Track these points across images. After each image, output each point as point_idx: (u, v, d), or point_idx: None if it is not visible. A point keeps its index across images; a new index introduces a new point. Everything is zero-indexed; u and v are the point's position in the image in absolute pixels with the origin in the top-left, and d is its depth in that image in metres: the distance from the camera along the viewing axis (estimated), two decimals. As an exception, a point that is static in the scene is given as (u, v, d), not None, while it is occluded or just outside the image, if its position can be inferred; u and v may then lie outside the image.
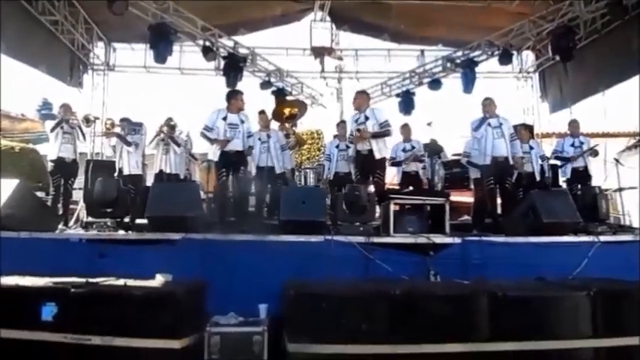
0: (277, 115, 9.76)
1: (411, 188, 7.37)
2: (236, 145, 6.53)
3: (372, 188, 6.66)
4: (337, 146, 8.02)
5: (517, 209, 6.03)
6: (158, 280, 4.53)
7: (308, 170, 9.76)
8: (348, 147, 7.37)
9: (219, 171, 6.55)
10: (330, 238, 5.24)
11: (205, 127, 6.56)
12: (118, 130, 7.93)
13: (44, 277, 4.41)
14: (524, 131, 7.84)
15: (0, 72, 7.76)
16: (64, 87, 10.03)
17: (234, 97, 6.70)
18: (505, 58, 10.14)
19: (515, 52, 10.63)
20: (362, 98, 6.97)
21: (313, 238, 5.28)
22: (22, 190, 5.51)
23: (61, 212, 7.01)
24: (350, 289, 4.11)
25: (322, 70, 11.70)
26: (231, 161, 6.52)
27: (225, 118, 6.59)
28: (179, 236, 5.24)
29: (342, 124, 8.13)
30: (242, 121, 6.66)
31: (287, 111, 9.76)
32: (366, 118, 6.71)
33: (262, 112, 7.79)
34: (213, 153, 6.57)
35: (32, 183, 9.20)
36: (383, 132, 6.72)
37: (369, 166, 6.61)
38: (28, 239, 5.22)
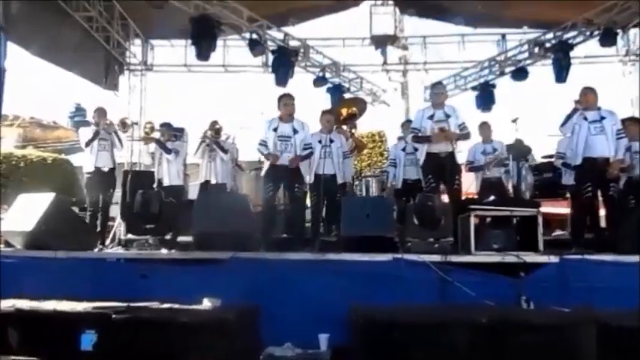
0: (335, 115, 9.79)
1: (492, 197, 7.17)
2: (290, 162, 6.63)
3: (445, 198, 6.56)
4: (404, 149, 7.94)
5: (628, 221, 5.73)
6: (206, 305, 4.63)
7: (370, 178, 9.71)
8: (416, 150, 7.28)
9: (265, 185, 6.67)
10: (400, 257, 5.21)
11: (260, 141, 6.75)
12: (157, 135, 8.17)
13: (82, 302, 4.62)
14: (634, 126, 7.44)
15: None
16: (99, 91, 10.52)
17: (282, 102, 6.77)
18: (608, 39, 9.69)
19: (620, 31, 10.14)
20: (442, 93, 6.92)
21: (380, 257, 5.26)
22: (59, 205, 5.80)
23: (99, 229, 7.28)
24: (427, 317, 4.06)
25: (384, 63, 11.67)
26: (280, 177, 6.61)
27: (276, 129, 6.68)
28: (228, 255, 5.34)
29: (408, 124, 8.06)
30: (295, 131, 6.68)
31: (344, 111, 9.76)
32: (447, 116, 6.60)
33: (327, 112, 7.84)
34: (264, 169, 6.77)
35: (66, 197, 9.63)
36: (465, 134, 6.62)
37: (446, 171, 6.46)
38: (65, 259, 5.48)
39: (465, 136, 6.67)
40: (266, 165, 6.75)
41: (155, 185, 7.92)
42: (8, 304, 4.33)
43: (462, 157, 7.41)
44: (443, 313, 4.34)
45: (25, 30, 7.53)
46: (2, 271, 5.38)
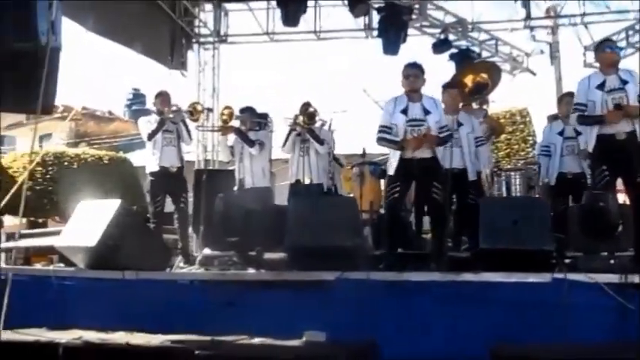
0: (457, 88, 9.63)
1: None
2: (422, 150, 6.46)
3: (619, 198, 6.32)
4: (561, 133, 7.69)
5: None
6: (308, 341, 4.74)
7: (512, 173, 9.48)
8: (579, 133, 7.02)
9: (390, 185, 6.52)
10: (562, 278, 5.09)
11: (381, 128, 6.47)
12: (236, 124, 8.33)
13: (157, 334, 4.88)
14: None
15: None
16: (160, 71, 11.00)
17: (411, 73, 6.60)
18: None
19: None
20: (614, 52, 6.55)
21: (533, 278, 5.18)
22: (126, 215, 6.12)
23: (180, 245, 7.61)
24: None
25: (527, 17, 11.38)
26: (413, 173, 6.47)
27: (405, 111, 6.52)
28: (333, 276, 5.43)
29: (566, 98, 7.77)
30: (427, 112, 6.53)
31: (470, 79, 9.53)
32: (624, 83, 6.26)
33: (451, 86, 7.72)
34: (390, 164, 6.58)
35: (126, 204, 10.16)
36: None
37: (626, 159, 6.12)
38: (135, 281, 5.80)
39: None
40: (393, 158, 6.58)
41: (236, 187, 8.11)
42: (74, 334, 4.65)
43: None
44: (623, 356, 4.19)
45: (80, 1, 7.97)
46: (63, 295, 5.83)
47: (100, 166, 14.41)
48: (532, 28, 11.78)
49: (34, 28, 4.16)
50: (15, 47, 4.32)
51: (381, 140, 6.42)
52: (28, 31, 4.17)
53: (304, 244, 5.82)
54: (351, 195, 9.19)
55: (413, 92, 6.46)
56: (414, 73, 6.47)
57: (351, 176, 9.48)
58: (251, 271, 6.31)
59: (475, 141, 7.45)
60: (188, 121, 8.07)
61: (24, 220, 9.88)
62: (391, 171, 6.41)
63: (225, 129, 8.31)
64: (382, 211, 7.78)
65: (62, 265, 6.78)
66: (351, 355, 4.37)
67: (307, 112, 8.17)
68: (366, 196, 8.36)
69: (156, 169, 7.77)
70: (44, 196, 13.43)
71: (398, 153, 6.32)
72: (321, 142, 8.20)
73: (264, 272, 6.16)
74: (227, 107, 8.33)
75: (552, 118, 8.39)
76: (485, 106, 9.06)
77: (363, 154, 8.92)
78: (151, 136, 7.76)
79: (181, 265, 7.37)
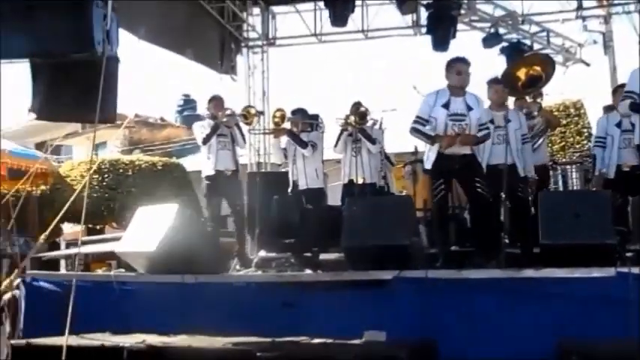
0: (510, 82, 9.47)
1: None
2: (461, 146, 6.42)
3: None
4: (618, 124, 7.52)
5: None
6: (368, 341, 4.73)
7: (567, 166, 9.32)
8: (634, 125, 6.86)
9: (434, 183, 6.50)
10: (627, 272, 4.96)
11: (417, 119, 6.44)
12: (288, 126, 8.39)
13: (217, 336, 4.93)
14: None
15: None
16: (210, 76, 11.12)
17: (454, 69, 6.56)
18: None
19: None
20: None
21: (597, 273, 5.06)
22: (185, 219, 6.20)
23: (237, 247, 7.69)
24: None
25: (579, 7, 11.17)
26: (454, 169, 6.43)
27: (446, 105, 6.48)
28: (390, 275, 5.41)
29: (622, 89, 7.60)
30: (469, 108, 6.48)
31: (523, 73, 9.36)
32: None
33: (496, 81, 7.60)
34: (427, 158, 6.56)
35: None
36: None
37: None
38: (194, 285, 5.89)
39: None
40: (431, 152, 6.55)
41: (290, 189, 8.16)
42: (137, 338, 4.73)
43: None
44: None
45: (131, 10, 8.10)
46: (124, 300, 5.94)
47: (154, 171, 14.62)
48: (584, 18, 11.56)
49: (89, 38, 4.25)
50: (72, 58, 4.43)
51: (413, 131, 6.41)
52: (84, 42, 4.26)
53: (361, 244, 5.81)
54: (405, 193, 9.17)
55: (459, 87, 6.43)
56: (466, 69, 6.44)
57: (403, 174, 9.44)
58: (308, 272, 6.35)
59: (522, 137, 7.36)
60: (241, 124, 8.14)
61: (82, 227, 10.16)
62: (428, 165, 6.43)
63: (277, 131, 8.43)
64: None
65: (122, 270, 6.92)
66: (412, 355, 4.34)
67: (358, 112, 8.19)
68: (419, 194, 8.30)
69: (211, 172, 7.83)
70: (101, 203, 13.69)
71: (436, 148, 6.31)
72: (373, 141, 8.23)
73: (321, 273, 6.19)
74: (279, 110, 8.43)
75: (608, 109, 8.20)
76: (539, 100, 8.88)
77: (415, 152, 8.84)
78: (205, 141, 7.82)
79: (238, 267, 7.45)
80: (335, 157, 9.06)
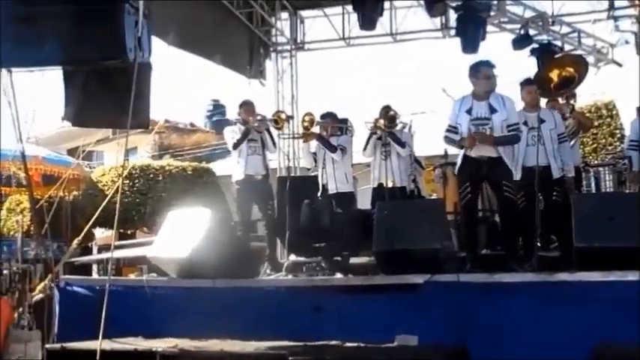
0: (542, 83, 9.41)
1: None
2: (487, 149, 6.40)
3: None
4: (653, 126, 7.45)
5: None
6: (401, 346, 4.72)
7: (600, 168, 9.22)
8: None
9: (461, 186, 6.51)
10: (661, 275, 4.91)
11: (448, 127, 6.53)
12: (317, 130, 8.39)
13: (249, 340, 4.96)
14: None
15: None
16: (239, 82, 11.17)
17: (478, 72, 6.54)
18: None
19: None
20: None
21: (632, 276, 5.01)
22: (217, 223, 6.25)
23: (267, 252, 7.72)
24: None
25: (610, 7, 11.03)
26: (481, 172, 6.41)
27: (469, 111, 6.50)
28: (422, 279, 5.40)
29: (655, 89, 7.53)
30: (493, 110, 6.44)
31: (555, 74, 9.32)
32: None
33: (529, 82, 7.55)
34: (458, 163, 6.60)
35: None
36: None
37: None
38: (226, 289, 5.92)
39: None
40: (458, 156, 6.58)
41: (319, 193, 8.16)
42: (169, 343, 4.77)
43: None
44: None
45: (160, 15, 8.18)
46: (157, 304, 5.98)
47: (185, 176, 14.73)
48: (616, 18, 11.38)
49: (122, 45, 4.29)
50: (104, 64, 4.48)
51: (445, 139, 6.54)
52: (117, 49, 4.30)
53: (392, 247, 5.80)
54: (435, 196, 9.13)
55: (483, 91, 6.42)
56: (492, 72, 6.47)
57: (433, 178, 9.42)
58: (339, 276, 6.34)
59: (558, 138, 7.29)
60: (272, 129, 8.17)
61: (114, 232, 10.30)
62: (456, 169, 6.52)
63: (307, 135, 8.43)
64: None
65: (154, 274, 6.97)
66: (444, 359, 4.31)
67: (388, 115, 8.22)
68: (449, 198, 8.26)
69: (242, 177, 7.88)
70: (132, 209, 13.85)
71: (462, 152, 6.36)
72: (402, 144, 8.21)
73: (352, 277, 6.20)
74: (308, 114, 8.44)
75: (640, 111, 8.12)
76: (572, 101, 8.82)
77: (445, 155, 8.81)
78: (236, 146, 7.87)
79: (268, 272, 7.46)
80: (364, 160, 9.04)
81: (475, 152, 6.29)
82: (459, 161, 6.46)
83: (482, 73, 6.41)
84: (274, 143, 8.29)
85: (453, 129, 6.44)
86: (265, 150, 8.11)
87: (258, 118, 8.05)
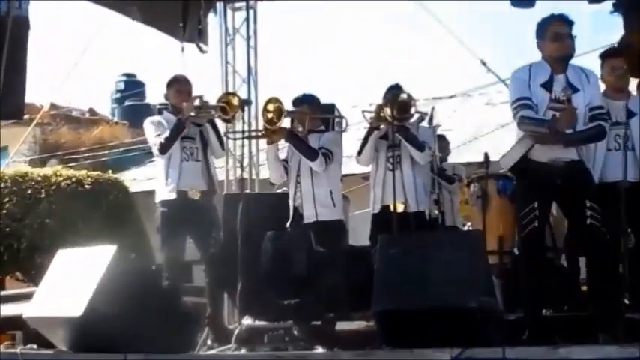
0: (631, 54, 9.55)
1: None
2: (563, 150, 6.36)
3: None
4: None
5: None
6: None
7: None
8: None
9: (522, 207, 6.45)
10: None
11: (521, 101, 6.42)
12: (288, 124, 8.36)
13: None
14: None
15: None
16: (167, 47, 11.20)
17: (547, 31, 6.54)
18: None
19: None
20: None
21: None
22: (125, 267, 6.20)
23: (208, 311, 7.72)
24: None
25: None
26: (555, 184, 6.40)
27: (546, 85, 6.41)
28: (448, 355, 5.45)
29: None
30: (574, 89, 6.46)
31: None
32: None
33: (611, 55, 7.61)
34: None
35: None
36: None
37: None
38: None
39: None
40: (506, 160, 6.55)
41: (289, 222, 8.14)
42: None
43: None
44: None
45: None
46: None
47: (80, 192, 14.56)
48: None
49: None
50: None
51: (524, 120, 6.37)
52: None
53: (401, 306, 5.84)
54: (469, 226, 9.15)
55: (561, 60, 6.46)
56: (568, 31, 6.49)
57: (467, 198, 9.41)
58: (320, 350, 6.35)
59: None
60: (219, 121, 8.15)
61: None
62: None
63: (272, 133, 8.24)
64: (517, 250, 7.71)
65: (33, 345, 6.91)
66: None
67: (398, 101, 7.94)
68: (491, 229, 8.32)
69: (171, 196, 7.91)
70: (-1, 243, 13.71)
71: (523, 151, 6.34)
72: (420, 146, 8.10)
73: (341, 352, 6.18)
74: (273, 100, 8.19)
75: None
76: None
77: (486, 163, 8.82)
78: (163, 147, 7.87)
79: (209, 343, 7.46)
80: (360, 170, 9.04)
81: (547, 153, 6.33)
82: (513, 168, 6.52)
83: (549, 30, 6.48)
84: (221, 143, 8.31)
85: (531, 102, 6.35)
86: (208, 154, 8.18)
87: (197, 103, 8.05)
